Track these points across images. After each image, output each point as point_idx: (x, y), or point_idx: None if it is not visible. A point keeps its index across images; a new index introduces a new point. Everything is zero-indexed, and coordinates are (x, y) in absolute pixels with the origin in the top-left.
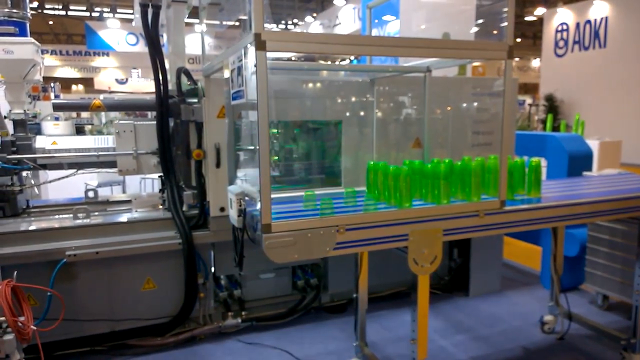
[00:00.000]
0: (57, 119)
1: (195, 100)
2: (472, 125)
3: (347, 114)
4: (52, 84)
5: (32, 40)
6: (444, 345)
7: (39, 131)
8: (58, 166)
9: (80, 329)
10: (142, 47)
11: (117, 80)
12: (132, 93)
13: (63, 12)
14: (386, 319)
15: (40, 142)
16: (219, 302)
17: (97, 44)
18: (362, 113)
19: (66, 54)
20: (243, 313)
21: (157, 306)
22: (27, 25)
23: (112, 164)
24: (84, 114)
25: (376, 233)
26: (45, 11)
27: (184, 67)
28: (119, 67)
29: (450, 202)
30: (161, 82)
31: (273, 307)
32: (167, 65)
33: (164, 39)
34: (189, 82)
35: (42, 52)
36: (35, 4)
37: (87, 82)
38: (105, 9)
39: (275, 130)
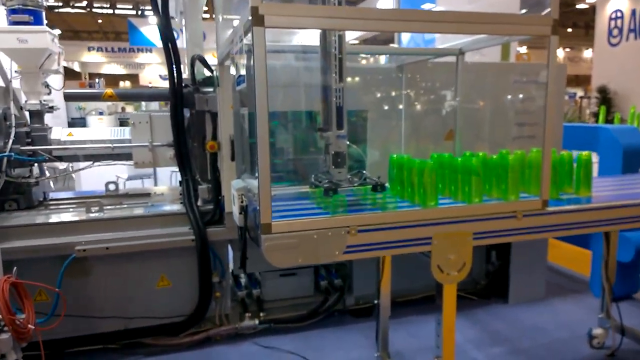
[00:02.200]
0: (101, 113)
1: (211, 89)
2: (515, 116)
3: (373, 103)
4: (97, 80)
5: (47, 28)
6: (478, 358)
7: (84, 126)
8: (73, 158)
9: (92, 326)
10: (182, 43)
11: (160, 76)
12: None
13: (110, 11)
14: (414, 325)
15: (55, 133)
16: (236, 301)
17: (139, 40)
18: (389, 102)
19: (111, 50)
20: (261, 314)
21: (171, 304)
22: (43, 14)
23: (128, 157)
24: (128, 109)
25: (393, 235)
26: (93, 10)
27: (199, 55)
28: (162, 63)
29: (483, 201)
30: (175, 70)
31: (293, 308)
32: (185, 54)
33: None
34: (209, 72)
35: (89, 49)
36: (84, 3)
37: (133, 79)
38: (149, 7)
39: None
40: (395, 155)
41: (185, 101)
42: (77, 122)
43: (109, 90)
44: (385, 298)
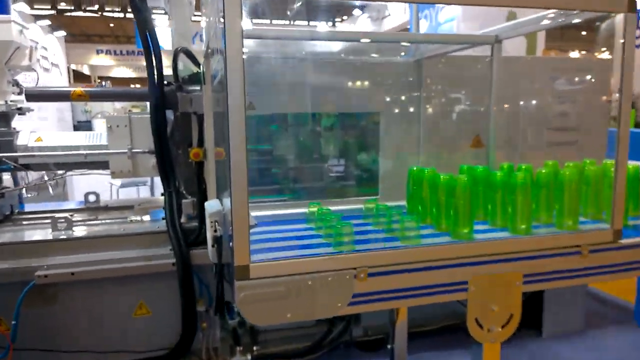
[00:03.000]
0: None
1: (198, 87)
2: (550, 118)
3: (386, 104)
4: (103, 83)
5: (13, 18)
6: None
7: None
8: (43, 167)
9: None
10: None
11: None
12: None
13: (122, 15)
14: None
15: (22, 138)
16: (227, 331)
17: None
18: (405, 103)
19: (120, 53)
20: (255, 347)
21: (151, 336)
22: (9, 1)
23: (105, 165)
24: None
25: (416, 280)
26: (104, 13)
27: (184, 47)
28: (169, 67)
29: (532, 229)
30: (154, 65)
31: (292, 340)
32: (170, 47)
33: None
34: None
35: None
36: (96, 7)
37: (144, 82)
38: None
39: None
40: (415, 168)
41: (167, 101)
42: (82, 125)
43: (78, 89)
44: (401, 340)
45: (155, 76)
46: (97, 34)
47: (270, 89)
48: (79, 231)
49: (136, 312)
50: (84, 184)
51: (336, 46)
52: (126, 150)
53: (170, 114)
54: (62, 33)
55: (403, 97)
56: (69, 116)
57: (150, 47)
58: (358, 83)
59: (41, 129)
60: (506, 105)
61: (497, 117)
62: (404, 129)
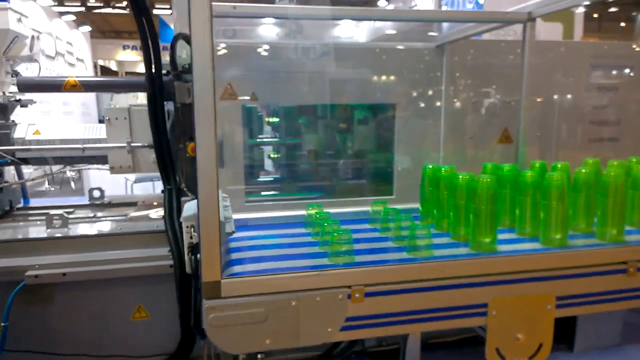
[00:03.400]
0: None
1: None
2: (589, 111)
3: (403, 95)
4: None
5: (10, 5)
6: None
7: None
8: (41, 161)
9: None
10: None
11: None
12: None
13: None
14: None
15: (20, 131)
16: None
17: (170, 37)
18: (424, 93)
19: None
20: (259, 356)
21: (150, 340)
22: None
23: (105, 160)
24: None
25: (421, 302)
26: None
27: (183, 33)
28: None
29: (567, 239)
30: (152, 52)
31: (300, 349)
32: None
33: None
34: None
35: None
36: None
37: None
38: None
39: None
40: (430, 166)
41: (166, 92)
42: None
43: (72, 79)
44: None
45: (153, 65)
46: (126, 31)
47: (272, 79)
48: (75, 229)
49: (134, 315)
50: (100, 178)
51: (345, 29)
52: (125, 145)
53: (171, 106)
54: (88, 28)
55: (422, 87)
56: (95, 110)
57: (147, 34)
58: (371, 71)
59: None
60: (539, 96)
61: (529, 109)
62: (423, 122)
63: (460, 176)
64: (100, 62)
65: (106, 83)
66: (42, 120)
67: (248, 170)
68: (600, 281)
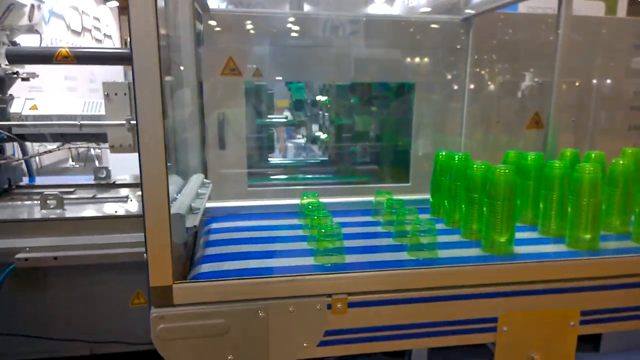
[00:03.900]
0: None
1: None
2: (630, 96)
3: (423, 73)
4: None
5: None
6: None
7: None
8: (39, 137)
9: (50, 349)
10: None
11: None
12: None
13: None
14: None
15: (17, 105)
16: None
17: None
18: (447, 72)
19: None
20: None
21: (148, 327)
22: None
23: (105, 138)
24: None
25: (417, 315)
26: None
27: None
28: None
29: (599, 240)
30: None
31: None
32: None
33: None
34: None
35: None
36: None
37: None
38: None
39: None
40: (443, 152)
41: (165, 65)
42: None
43: (64, 50)
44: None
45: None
46: None
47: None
48: (72, 211)
49: (133, 301)
50: (121, 156)
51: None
52: (124, 122)
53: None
54: (115, 4)
55: (444, 65)
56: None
57: None
58: (388, 47)
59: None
60: (575, 78)
61: (564, 92)
62: (443, 103)
63: (475, 165)
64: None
65: (100, 55)
66: (44, 95)
67: (253, 153)
68: (636, 294)
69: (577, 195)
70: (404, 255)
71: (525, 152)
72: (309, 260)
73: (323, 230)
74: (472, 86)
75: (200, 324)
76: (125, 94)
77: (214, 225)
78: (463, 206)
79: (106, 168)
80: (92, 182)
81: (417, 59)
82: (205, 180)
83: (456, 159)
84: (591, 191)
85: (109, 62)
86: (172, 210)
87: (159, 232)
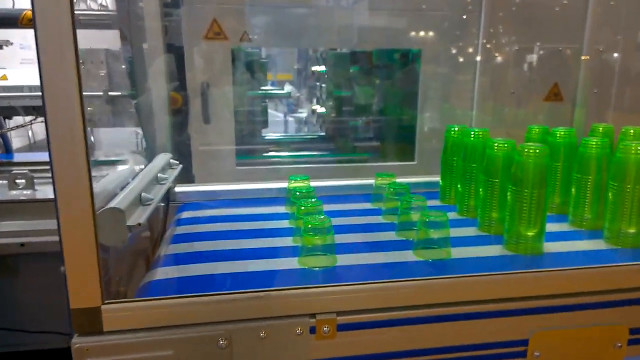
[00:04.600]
0: None
1: (177, 10)
2: None
3: (430, 39)
4: None
5: None
6: None
7: None
8: (9, 110)
9: (25, 342)
10: None
11: None
12: None
13: None
14: None
15: None
16: None
17: None
18: (457, 37)
19: None
20: None
21: None
22: None
23: None
24: None
25: (426, 339)
26: None
27: None
28: None
29: None
30: None
31: None
32: None
33: None
34: None
35: None
36: None
37: None
38: None
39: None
40: (455, 128)
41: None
42: None
43: (29, 12)
44: None
45: None
46: None
47: (268, 14)
48: (44, 191)
49: None
50: (115, 131)
51: None
52: (101, 93)
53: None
54: None
55: (454, 30)
56: None
57: None
58: (390, 9)
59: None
60: (599, 43)
61: (591, 58)
62: (453, 72)
63: (496, 144)
64: None
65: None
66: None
67: (243, 128)
68: None
69: (620, 180)
70: (408, 255)
71: (549, 126)
72: (292, 263)
73: (309, 225)
74: (485, 52)
75: (140, 358)
76: (102, 62)
77: (185, 215)
78: (481, 191)
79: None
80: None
81: (425, 23)
82: (172, 161)
83: (472, 135)
84: (638, 175)
85: (87, 26)
86: (112, 204)
87: (79, 236)
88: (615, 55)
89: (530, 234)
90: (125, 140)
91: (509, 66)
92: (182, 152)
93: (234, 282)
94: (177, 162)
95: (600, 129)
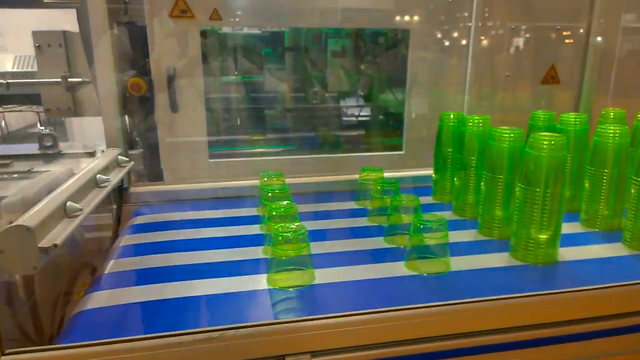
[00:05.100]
0: None
1: None
2: None
3: (419, 20)
4: None
5: None
6: None
7: None
8: None
9: None
10: None
11: None
12: None
13: None
14: None
15: None
16: None
17: None
18: (448, 14)
19: None
20: None
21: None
22: None
23: (39, 99)
24: None
25: None
26: None
27: None
28: None
29: None
30: None
31: None
32: None
33: None
34: None
35: None
36: None
37: None
38: None
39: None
40: (451, 115)
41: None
42: None
43: None
44: None
45: None
46: None
47: None
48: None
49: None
50: (94, 120)
51: None
52: (60, 80)
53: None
54: None
55: (443, 7)
56: None
57: None
58: None
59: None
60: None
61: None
62: (444, 53)
63: (500, 134)
64: None
65: None
66: None
67: (217, 117)
68: None
69: None
70: (400, 269)
71: (564, 113)
72: (259, 282)
73: (280, 237)
74: (477, 32)
75: None
76: (60, 45)
77: (139, 220)
78: (483, 188)
79: (52, 135)
80: (37, 151)
81: (412, 1)
82: (122, 157)
83: (470, 124)
84: None
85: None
86: (20, 220)
87: None
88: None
89: (542, 239)
90: (86, 133)
91: (503, 47)
92: (151, 144)
93: (180, 313)
94: (126, 159)
95: (612, 114)
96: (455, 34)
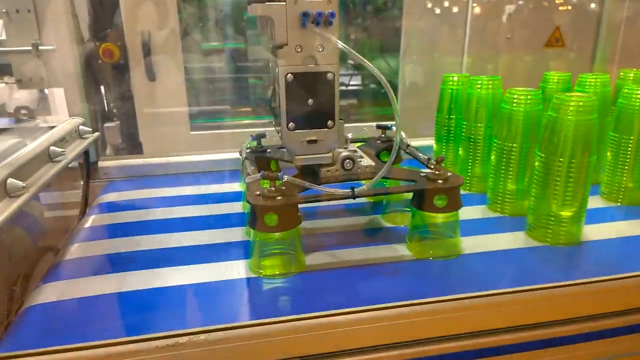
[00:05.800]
0: None
1: None
2: None
3: None
4: None
5: None
6: None
7: None
8: None
9: None
10: None
11: None
12: None
13: None
14: None
15: None
16: None
17: None
18: None
19: None
20: None
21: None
22: None
23: (9, 69)
24: None
25: None
26: None
27: None
28: None
29: None
30: None
31: None
32: None
33: None
34: None
35: None
36: None
37: None
38: None
39: None
40: (454, 77)
41: None
42: None
43: None
44: None
45: None
46: None
47: None
48: None
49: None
50: None
51: None
52: (30, 48)
53: None
54: None
55: None
56: None
57: None
58: None
59: None
60: None
61: None
62: (442, 14)
63: (515, 97)
64: None
65: None
66: None
67: (198, 87)
68: None
69: None
70: (401, 251)
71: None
72: (238, 269)
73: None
74: None
75: None
76: (29, 10)
77: (107, 198)
78: (493, 158)
79: (27, 107)
80: (13, 125)
81: None
82: (84, 128)
83: (478, 86)
84: None
85: None
86: None
87: None
88: None
89: (565, 216)
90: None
91: (505, 6)
92: (128, 116)
93: (142, 308)
94: (89, 130)
95: (631, 75)
96: None
